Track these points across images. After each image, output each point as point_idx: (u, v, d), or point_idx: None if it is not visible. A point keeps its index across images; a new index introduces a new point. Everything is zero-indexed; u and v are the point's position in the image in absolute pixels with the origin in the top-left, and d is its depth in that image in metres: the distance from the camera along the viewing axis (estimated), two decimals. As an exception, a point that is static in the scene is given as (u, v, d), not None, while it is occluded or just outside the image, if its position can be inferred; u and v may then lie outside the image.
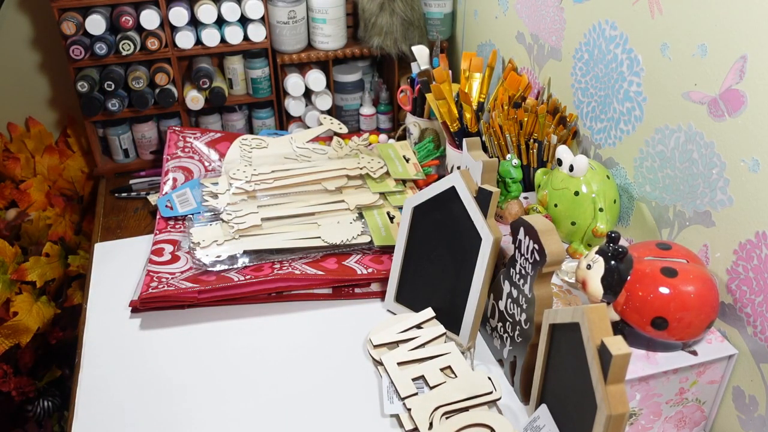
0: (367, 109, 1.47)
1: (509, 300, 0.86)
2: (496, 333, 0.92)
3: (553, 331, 0.76)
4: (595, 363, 0.65)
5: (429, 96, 1.16)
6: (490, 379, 0.85)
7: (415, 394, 0.84)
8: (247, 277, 1.01)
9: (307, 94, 1.42)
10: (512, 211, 1.02)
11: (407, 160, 1.22)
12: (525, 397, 0.86)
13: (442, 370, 0.87)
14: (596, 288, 0.76)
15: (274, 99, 1.43)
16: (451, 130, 1.16)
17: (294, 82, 1.38)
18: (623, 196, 0.99)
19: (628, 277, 0.76)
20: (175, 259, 1.07)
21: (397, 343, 0.92)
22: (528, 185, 1.11)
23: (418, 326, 0.94)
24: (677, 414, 0.82)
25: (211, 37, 1.31)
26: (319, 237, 1.07)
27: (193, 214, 1.14)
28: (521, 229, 0.81)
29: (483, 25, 1.37)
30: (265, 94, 1.41)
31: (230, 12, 1.29)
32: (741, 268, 0.78)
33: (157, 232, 1.13)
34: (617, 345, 0.63)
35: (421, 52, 1.26)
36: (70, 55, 1.24)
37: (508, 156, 1.04)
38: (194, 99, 1.35)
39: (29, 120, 1.53)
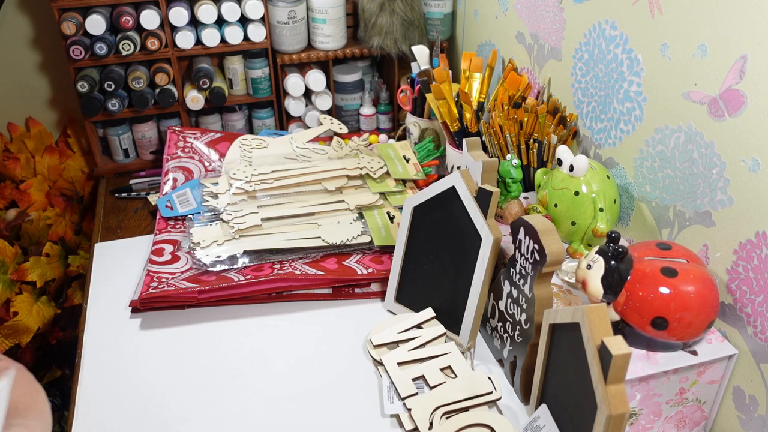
0: (367, 109, 1.47)
1: (509, 300, 0.86)
2: (496, 333, 0.92)
3: (553, 331, 0.76)
4: (596, 363, 0.65)
5: (429, 96, 1.16)
6: (490, 379, 0.85)
7: (416, 394, 0.84)
8: (247, 277, 1.01)
9: (307, 94, 1.42)
10: (512, 211, 1.02)
11: (407, 160, 1.22)
12: (525, 397, 0.86)
13: (442, 370, 0.87)
14: (596, 288, 0.76)
15: (274, 99, 1.43)
16: (451, 130, 1.16)
17: (294, 82, 1.38)
18: (623, 196, 0.99)
19: (628, 277, 0.76)
20: (175, 259, 1.07)
21: (397, 343, 0.92)
22: (528, 185, 1.11)
23: (418, 326, 0.94)
24: (677, 414, 0.82)
25: (211, 37, 1.31)
26: (319, 237, 1.07)
27: (193, 214, 1.14)
28: (521, 229, 0.81)
29: (483, 25, 1.37)
30: (265, 94, 1.41)
31: (230, 12, 1.29)
32: (741, 268, 0.78)
33: (157, 232, 1.13)
34: (617, 345, 0.63)
35: (421, 52, 1.26)
36: (70, 55, 1.24)
37: (508, 156, 1.04)
38: (194, 99, 1.35)
39: (29, 120, 1.53)
